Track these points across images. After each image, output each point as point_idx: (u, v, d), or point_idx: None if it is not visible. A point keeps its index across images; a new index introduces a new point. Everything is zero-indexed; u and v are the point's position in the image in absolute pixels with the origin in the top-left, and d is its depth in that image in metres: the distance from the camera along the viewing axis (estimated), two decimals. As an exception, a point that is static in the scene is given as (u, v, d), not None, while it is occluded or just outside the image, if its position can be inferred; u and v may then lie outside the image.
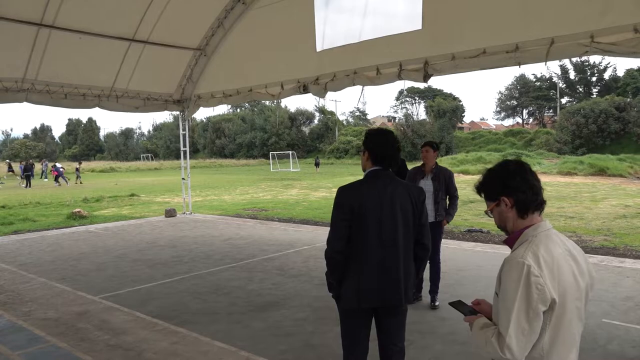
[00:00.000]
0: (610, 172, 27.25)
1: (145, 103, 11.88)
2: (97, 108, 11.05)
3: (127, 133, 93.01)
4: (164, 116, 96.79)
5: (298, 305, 5.39)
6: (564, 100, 64.58)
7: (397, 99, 78.12)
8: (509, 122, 76.58)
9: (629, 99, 47.87)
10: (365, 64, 8.52)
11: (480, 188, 1.85)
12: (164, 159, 70.11)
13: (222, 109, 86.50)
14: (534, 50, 6.99)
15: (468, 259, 7.51)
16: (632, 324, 4.56)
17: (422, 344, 4.31)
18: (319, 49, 9.09)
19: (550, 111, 68.47)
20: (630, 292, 5.50)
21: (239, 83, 10.95)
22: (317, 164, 45.43)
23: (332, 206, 2.74)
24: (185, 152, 13.04)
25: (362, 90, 9.57)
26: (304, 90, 9.48)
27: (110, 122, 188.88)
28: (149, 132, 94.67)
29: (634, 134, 43.49)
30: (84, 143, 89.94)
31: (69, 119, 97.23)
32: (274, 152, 50.48)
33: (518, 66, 7.47)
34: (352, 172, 38.29)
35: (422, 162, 5.39)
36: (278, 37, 9.73)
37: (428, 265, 5.37)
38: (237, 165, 57.78)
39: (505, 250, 1.83)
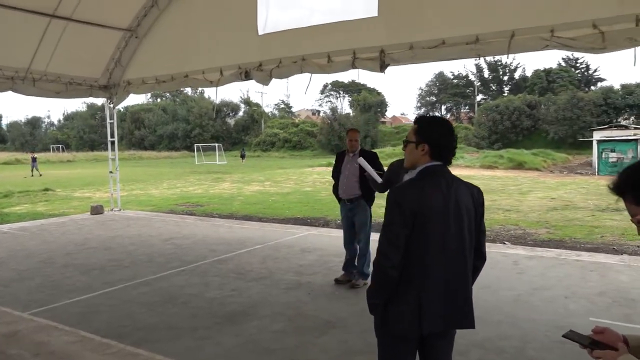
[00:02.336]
0: (527, 165, 28.92)
1: (67, 88, 10.61)
2: (9, 92, 9.71)
3: (34, 122, 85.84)
4: (76, 105, 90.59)
5: (270, 315, 4.85)
6: (478, 98, 67.97)
7: (322, 92, 78.32)
8: (428, 117, 79.33)
9: (537, 97, 51.24)
10: (314, 50, 8.04)
11: (627, 188, 1.42)
12: (76, 150, 65.46)
13: (141, 99, 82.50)
14: (494, 42, 6.88)
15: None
16: (619, 322, 4.49)
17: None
18: (261, 32, 8.47)
19: (467, 107, 71.84)
20: (601, 287, 5.52)
21: (173, 68, 10.03)
22: (242, 156, 44.77)
23: (386, 209, 2.24)
24: (113, 142, 11.88)
25: (310, 78, 9.09)
26: (246, 76, 8.83)
27: (13, 109, 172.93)
28: (59, 121, 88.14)
29: (543, 130, 46.67)
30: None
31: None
32: (199, 144, 48.74)
33: (478, 58, 7.38)
34: (281, 165, 37.81)
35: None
36: (217, 18, 8.98)
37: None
38: (159, 157, 55.17)
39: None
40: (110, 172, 12.10)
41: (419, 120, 2.39)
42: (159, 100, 76.61)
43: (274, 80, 8.59)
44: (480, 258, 2.38)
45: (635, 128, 28.94)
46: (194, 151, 49.62)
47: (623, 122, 36.53)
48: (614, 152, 25.92)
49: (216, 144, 48.04)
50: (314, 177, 24.52)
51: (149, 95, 78.31)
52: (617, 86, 47.79)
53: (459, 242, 2.23)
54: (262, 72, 8.64)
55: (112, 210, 12.15)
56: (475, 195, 2.34)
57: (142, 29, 10.28)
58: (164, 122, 67.87)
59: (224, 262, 6.99)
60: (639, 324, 4.49)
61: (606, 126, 31.51)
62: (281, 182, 22.02)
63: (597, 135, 28.01)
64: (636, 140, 25.84)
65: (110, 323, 4.65)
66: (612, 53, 6.30)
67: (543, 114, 47.35)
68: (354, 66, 7.90)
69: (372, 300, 2.27)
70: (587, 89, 56.17)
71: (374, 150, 6.63)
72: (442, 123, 2.35)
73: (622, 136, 26.69)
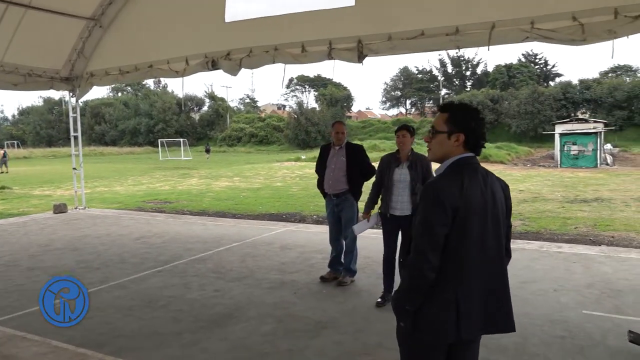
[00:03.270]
0: (492, 159, 29.49)
1: (26, 80, 9.99)
2: (-38, 84, 9.09)
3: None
4: (32, 99, 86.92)
5: (257, 316, 4.60)
6: (442, 92, 68.94)
7: (288, 86, 77.85)
8: (393, 111, 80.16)
9: (499, 92, 52.36)
10: (288, 39, 7.78)
11: None
12: (32, 146, 62.83)
13: (102, 93, 79.95)
14: (475, 34, 6.80)
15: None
16: (612, 314, 4.48)
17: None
18: (229, 19, 8.16)
19: (431, 102, 72.74)
20: (588, 279, 5.52)
21: (137, 58, 9.56)
22: (207, 151, 44.18)
23: (423, 205, 2.03)
24: (76, 137, 11.30)
25: (285, 69, 8.82)
26: (213, 66, 8.47)
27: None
28: (13, 116, 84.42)
29: (505, 124, 47.73)
30: None
31: None
32: (163, 140, 47.58)
33: (457, 49, 7.31)
34: (248, 160, 37.31)
35: (396, 149, 4.87)
36: (183, 5, 8.60)
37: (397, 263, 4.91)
38: (121, 153, 53.59)
39: None
40: (74, 168, 11.52)
41: (449, 107, 2.18)
42: (119, 94, 74.41)
43: (239, 74, 8.32)
44: (506, 255, 2.23)
45: (595, 122, 29.87)
46: (157, 147, 48.45)
47: (581, 116, 37.67)
48: (575, 144, 26.68)
49: (181, 139, 46.97)
50: (283, 172, 24.23)
51: (109, 89, 76.11)
52: (575, 81, 49.41)
53: (497, 239, 2.08)
54: (231, 62, 8.31)
55: (76, 208, 11.57)
56: (505, 188, 2.19)
57: (107, 18, 9.77)
58: (125, 117, 65.93)
59: (202, 261, 6.69)
60: (630, 315, 4.48)
61: (567, 120, 32.41)
62: (250, 177, 21.65)
63: (559, 129, 28.76)
64: (596, 133, 26.66)
65: (85, 331, 4.30)
66: (569, 49, 6.32)
67: (505, 108, 48.40)
68: (330, 57, 7.69)
69: (405, 305, 2.06)
70: (546, 84, 57.83)
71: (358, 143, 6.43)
72: (475, 110, 2.18)
73: (582, 129, 27.49)
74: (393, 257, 4.81)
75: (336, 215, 5.62)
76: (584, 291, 5.13)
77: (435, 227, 1.97)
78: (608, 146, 30.97)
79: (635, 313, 4.51)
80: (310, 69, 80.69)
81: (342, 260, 5.68)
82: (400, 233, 4.79)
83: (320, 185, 5.76)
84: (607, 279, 5.53)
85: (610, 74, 54.86)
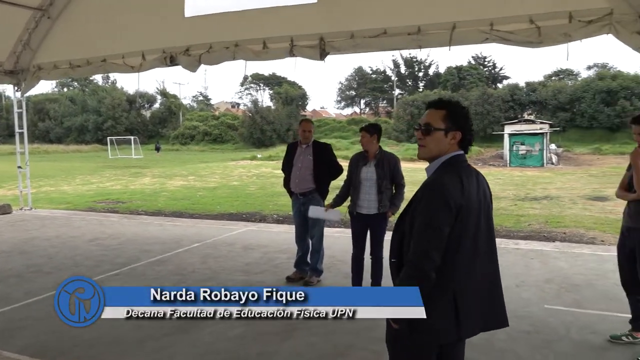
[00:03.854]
0: (445, 158, 30.28)
1: (-35, 72, 9.40)
2: None
3: None
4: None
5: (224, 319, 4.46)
6: (395, 93, 70.07)
7: (242, 84, 76.93)
8: (347, 111, 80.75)
9: (450, 93, 53.72)
10: (248, 36, 7.68)
11: None
12: (-31, 143, 59.23)
13: (46, 87, 76.38)
14: (436, 34, 6.92)
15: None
16: (573, 308, 4.64)
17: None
18: (187, 14, 7.96)
19: (384, 102, 73.80)
20: (546, 275, 5.70)
21: (89, 52, 9.14)
22: (157, 149, 43.36)
23: (428, 203, 1.99)
24: (22, 134, 10.70)
25: (245, 65, 8.67)
26: (172, 61, 8.26)
27: None
28: (-54, 111, 79.26)
29: (457, 124, 49.11)
30: None
31: None
32: (112, 137, 45.98)
33: (419, 49, 7.38)
34: (202, 159, 36.61)
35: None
36: (139, -3, 8.33)
37: (369, 261, 4.90)
38: (67, 151, 51.29)
39: None
40: (19, 167, 10.88)
41: (446, 104, 2.15)
42: (65, 89, 71.21)
43: (192, 72, 8.16)
44: None
45: (541, 122, 31.13)
46: (106, 144, 46.78)
47: (528, 117, 39.22)
48: (523, 144, 27.75)
49: (132, 137, 45.53)
50: (239, 171, 23.92)
51: (54, 84, 72.71)
52: (521, 84, 51.34)
53: (489, 237, 2.10)
54: (190, 57, 8.12)
55: (21, 209, 10.95)
56: (488, 186, 2.20)
57: (56, 9, 9.27)
58: (72, 114, 63.08)
59: (161, 263, 6.45)
60: (589, 308, 4.65)
61: (515, 121, 33.65)
62: (206, 176, 21.23)
63: (508, 129, 29.82)
64: (542, 133, 27.80)
65: (38, 340, 4.04)
66: (516, 53, 6.55)
67: (458, 108, 49.77)
68: (292, 54, 7.64)
69: None
70: (494, 86, 59.79)
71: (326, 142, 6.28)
72: (467, 109, 2.17)
73: (530, 130, 28.61)
74: (362, 256, 4.80)
75: (302, 214, 5.54)
76: (544, 286, 5.29)
77: (441, 226, 1.95)
78: (553, 146, 32.35)
79: (593, 307, 4.69)
80: (265, 67, 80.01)
81: (309, 260, 5.61)
82: (368, 232, 4.77)
83: (287, 183, 5.67)
84: (564, 274, 5.73)
85: (553, 77, 57.35)
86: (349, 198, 4.87)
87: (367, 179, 4.68)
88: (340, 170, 5.44)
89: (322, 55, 7.49)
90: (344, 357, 3.72)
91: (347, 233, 8.36)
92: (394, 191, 4.80)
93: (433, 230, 1.96)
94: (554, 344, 3.89)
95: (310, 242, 5.59)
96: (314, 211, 5.04)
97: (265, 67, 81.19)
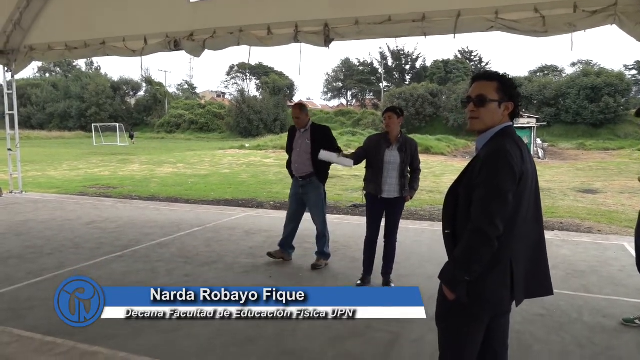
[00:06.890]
0: (433, 150, 30.34)
1: (-48, 51, 9.13)
2: None
3: None
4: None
5: (236, 300, 4.42)
6: (382, 85, 70.14)
7: (228, 74, 76.25)
8: (334, 102, 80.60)
9: (437, 86, 54.01)
10: (253, 21, 7.62)
11: None
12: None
13: (28, 72, 74.70)
14: (441, 21, 6.93)
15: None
16: (582, 293, 4.70)
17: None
18: None
19: (371, 94, 73.81)
20: (552, 261, 5.44)
21: (88, 34, 8.96)
22: (131, 137, 43.73)
23: (493, 170, 1.98)
24: (12, 116, 10.45)
25: (250, 51, 8.59)
26: (176, 46, 8.17)
27: None
28: None
29: (443, 117, 49.34)
30: None
31: None
32: (97, 124, 45.29)
33: (424, 37, 7.34)
34: (189, 147, 36.22)
35: (385, 131, 4.79)
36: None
37: (382, 243, 4.89)
38: (50, 137, 50.41)
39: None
40: (9, 149, 10.65)
41: (498, 76, 2.15)
42: (47, 75, 69.81)
43: (178, 60, 8.06)
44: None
45: (529, 117, 31.46)
46: (90, 131, 46.21)
47: (514, 112, 39.56)
48: (511, 138, 27.99)
49: (117, 125, 44.89)
50: (228, 159, 23.74)
51: (35, 69, 71.31)
52: (507, 78, 51.72)
53: (537, 205, 2.16)
54: (194, 43, 8.05)
55: (11, 192, 10.73)
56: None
57: (50, -13, 9.06)
58: (54, 100, 61.90)
59: (163, 246, 6.37)
60: (596, 293, 4.72)
61: (503, 115, 33.86)
62: (195, 164, 21.03)
63: (496, 123, 30.03)
64: (530, 128, 28.08)
65: (50, 319, 3.93)
66: (502, 48, 6.57)
67: (444, 102, 50.02)
68: (296, 40, 7.60)
69: (466, 275, 2.00)
70: (481, 80, 60.16)
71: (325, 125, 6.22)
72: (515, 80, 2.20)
73: (517, 124, 28.87)
74: (375, 239, 4.78)
75: (300, 198, 5.50)
76: (550, 272, 5.33)
77: (507, 193, 1.96)
78: (538, 141, 32.73)
79: (600, 292, 4.76)
80: (252, 57, 79.26)
81: (316, 244, 5.58)
82: (385, 215, 4.76)
83: (289, 166, 5.64)
84: (569, 260, 5.80)
85: (538, 73, 57.95)
86: (365, 179, 4.80)
87: (390, 162, 4.61)
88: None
89: (326, 42, 7.45)
90: (362, 337, 3.72)
91: (346, 219, 8.38)
92: (408, 175, 4.78)
93: (499, 197, 1.95)
94: (567, 326, 3.94)
95: (316, 227, 5.54)
96: (325, 154, 4.66)
97: (252, 57, 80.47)
